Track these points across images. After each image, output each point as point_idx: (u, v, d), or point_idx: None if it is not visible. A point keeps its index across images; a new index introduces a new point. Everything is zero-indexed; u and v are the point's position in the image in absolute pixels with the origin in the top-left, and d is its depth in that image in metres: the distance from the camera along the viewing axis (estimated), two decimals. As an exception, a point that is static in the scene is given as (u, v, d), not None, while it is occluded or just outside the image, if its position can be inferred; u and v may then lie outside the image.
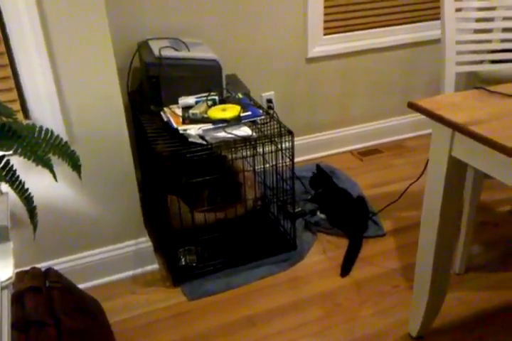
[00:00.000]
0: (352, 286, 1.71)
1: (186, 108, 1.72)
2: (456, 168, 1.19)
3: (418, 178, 1.70)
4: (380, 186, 2.29)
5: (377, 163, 2.49)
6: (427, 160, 1.25)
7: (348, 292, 1.69)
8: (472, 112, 1.12)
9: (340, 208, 2.01)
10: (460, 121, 1.08)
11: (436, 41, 2.55)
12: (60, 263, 1.68)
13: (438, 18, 2.51)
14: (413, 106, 1.18)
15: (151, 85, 1.77)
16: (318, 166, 2.18)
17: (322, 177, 2.14)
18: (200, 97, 1.75)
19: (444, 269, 1.37)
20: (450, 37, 1.72)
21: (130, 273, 1.79)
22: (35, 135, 1.11)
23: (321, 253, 1.88)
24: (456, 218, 1.31)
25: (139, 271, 1.80)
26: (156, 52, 1.76)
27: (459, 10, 1.72)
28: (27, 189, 1.10)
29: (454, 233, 1.33)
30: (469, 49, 1.76)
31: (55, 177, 1.11)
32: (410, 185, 1.85)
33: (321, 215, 2.05)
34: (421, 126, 2.75)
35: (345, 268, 1.78)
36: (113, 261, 1.75)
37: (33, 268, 1.43)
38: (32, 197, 1.11)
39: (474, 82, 2.04)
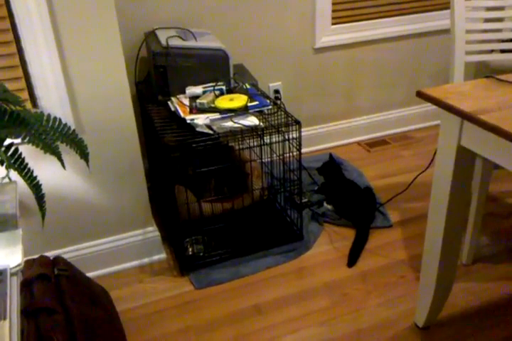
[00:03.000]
0: (358, 276, 1.72)
1: (194, 98, 1.72)
2: (465, 158, 1.18)
3: (426, 168, 1.69)
4: (387, 177, 2.28)
5: (385, 154, 2.48)
6: (435, 151, 1.24)
7: (354, 282, 1.69)
8: (481, 101, 1.11)
9: (347, 199, 2.01)
10: (469, 110, 1.07)
11: (446, 31, 2.52)
12: (68, 252, 1.69)
13: (447, 8, 2.49)
14: (422, 95, 1.17)
15: (159, 75, 1.77)
16: (330, 155, 2.17)
17: (332, 166, 2.12)
18: (207, 87, 1.75)
19: (451, 260, 1.37)
20: (460, 26, 1.70)
21: (138, 262, 1.81)
22: (43, 123, 1.11)
23: (328, 243, 1.88)
24: (464, 209, 1.31)
25: (146, 260, 1.82)
26: (164, 42, 1.76)
27: (469, -1, 1.70)
28: (35, 176, 1.11)
29: (462, 224, 1.32)
30: (479, 38, 1.74)
31: (63, 164, 1.12)
32: (418, 175, 1.84)
33: (327, 206, 2.05)
34: (429, 117, 2.73)
35: (352, 259, 1.78)
36: (121, 250, 1.76)
37: (42, 257, 1.44)
38: (40, 185, 1.12)
39: (484, 71, 2.02)
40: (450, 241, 1.31)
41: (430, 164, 1.53)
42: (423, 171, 1.76)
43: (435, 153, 1.24)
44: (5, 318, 0.85)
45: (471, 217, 1.64)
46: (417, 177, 1.88)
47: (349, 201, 2.00)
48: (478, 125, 1.04)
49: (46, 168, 1.53)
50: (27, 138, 1.03)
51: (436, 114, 2.72)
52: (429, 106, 2.69)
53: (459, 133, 1.13)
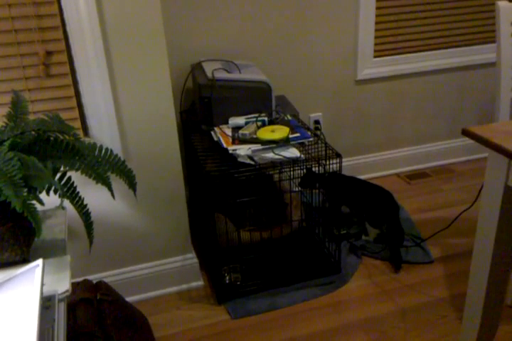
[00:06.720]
0: (397, 314, 1.68)
1: (236, 128, 1.76)
2: (512, 198, 1.16)
3: (471, 205, 1.66)
4: (428, 211, 2.24)
5: (425, 187, 2.45)
6: (481, 187, 1.22)
7: (393, 320, 1.65)
8: (530, 141, 1.09)
9: (364, 198, 2.04)
10: (518, 151, 1.05)
11: (488, 65, 2.51)
12: (109, 276, 1.72)
13: (489, 42, 2.48)
14: (468, 134, 1.17)
15: (203, 105, 1.82)
16: (308, 169, 2.03)
17: (314, 177, 2.02)
18: (249, 118, 1.79)
19: (497, 301, 1.32)
20: (506, 62, 1.69)
21: (176, 288, 1.82)
22: (96, 153, 1.16)
23: (366, 277, 1.85)
24: (511, 248, 1.27)
25: (184, 286, 1.83)
26: (209, 74, 1.81)
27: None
28: (86, 205, 1.15)
29: (509, 263, 1.28)
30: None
31: (113, 195, 1.16)
32: (462, 212, 1.80)
33: (366, 238, 2.03)
34: (471, 151, 2.69)
35: (397, 264, 1.86)
36: (160, 276, 1.78)
37: (85, 281, 1.47)
38: (90, 213, 1.16)
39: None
40: (496, 281, 1.27)
41: (475, 201, 1.50)
42: (467, 208, 1.72)
43: (480, 190, 1.22)
44: (53, 345, 0.87)
45: (516, 256, 1.59)
46: (461, 214, 1.84)
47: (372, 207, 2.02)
48: (527, 166, 1.02)
49: (92, 194, 1.58)
50: (81, 169, 1.08)
51: (479, 147, 2.67)
52: (472, 140, 2.65)
53: (506, 172, 1.12)
